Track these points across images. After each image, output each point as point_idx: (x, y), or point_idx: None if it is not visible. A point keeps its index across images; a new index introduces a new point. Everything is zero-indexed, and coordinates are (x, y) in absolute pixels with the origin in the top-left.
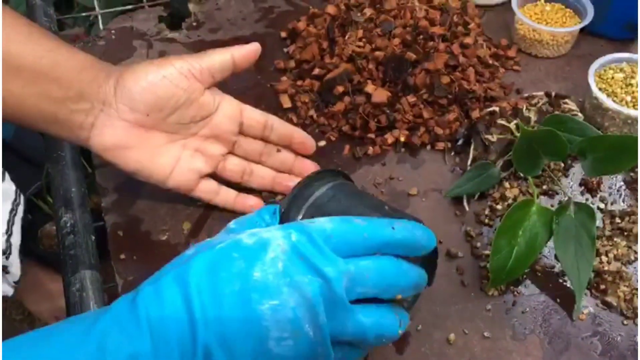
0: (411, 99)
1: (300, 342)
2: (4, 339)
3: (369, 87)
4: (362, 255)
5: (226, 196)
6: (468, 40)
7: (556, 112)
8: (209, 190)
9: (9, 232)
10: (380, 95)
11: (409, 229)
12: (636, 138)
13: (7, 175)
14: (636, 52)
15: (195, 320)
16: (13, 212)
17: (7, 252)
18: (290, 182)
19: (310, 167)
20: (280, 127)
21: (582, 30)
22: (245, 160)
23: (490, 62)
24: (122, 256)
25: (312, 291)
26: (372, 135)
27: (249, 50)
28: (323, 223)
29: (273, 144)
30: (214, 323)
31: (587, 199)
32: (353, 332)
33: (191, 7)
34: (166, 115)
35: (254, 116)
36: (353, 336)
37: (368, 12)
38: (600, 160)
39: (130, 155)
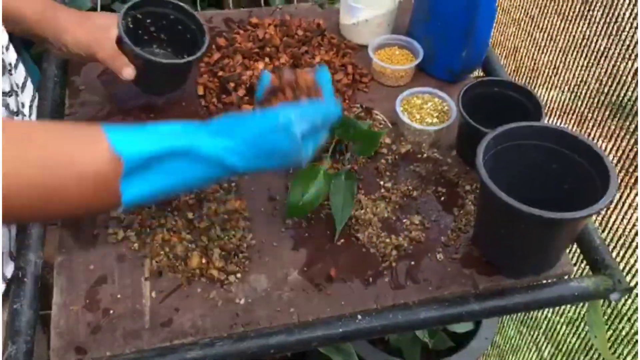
0: None
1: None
2: None
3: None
4: None
5: None
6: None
7: (350, 117)
8: None
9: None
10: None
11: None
12: (378, 133)
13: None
14: (452, 93)
15: None
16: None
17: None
18: None
19: None
20: None
21: (422, 70)
22: None
23: (347, 82)
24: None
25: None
26: None
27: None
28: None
29: None
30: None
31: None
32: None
33: None
34: None
35: None
36: None
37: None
38: (361, 146)
39: None
